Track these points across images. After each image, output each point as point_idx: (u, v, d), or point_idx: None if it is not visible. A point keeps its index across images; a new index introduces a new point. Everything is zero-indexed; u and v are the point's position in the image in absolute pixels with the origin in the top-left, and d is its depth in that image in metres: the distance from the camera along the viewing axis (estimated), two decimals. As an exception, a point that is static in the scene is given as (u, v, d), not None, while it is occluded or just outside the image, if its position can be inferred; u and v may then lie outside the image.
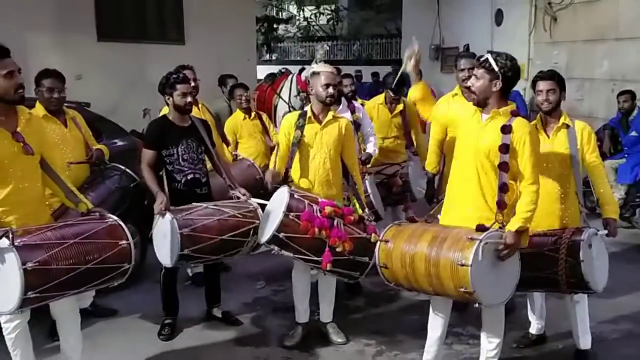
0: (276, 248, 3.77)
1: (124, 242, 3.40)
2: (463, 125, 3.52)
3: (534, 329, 4.23)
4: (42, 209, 3.47)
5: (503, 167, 3.25)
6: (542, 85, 3.78)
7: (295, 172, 4.17)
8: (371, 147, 5.10)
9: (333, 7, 24.56)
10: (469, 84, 3.42)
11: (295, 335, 4.29)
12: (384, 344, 4.26)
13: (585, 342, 3.95)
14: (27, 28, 7.57)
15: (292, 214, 3.73)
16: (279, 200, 3.84)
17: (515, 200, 3.33)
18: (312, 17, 25.05)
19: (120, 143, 5.68)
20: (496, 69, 3.27)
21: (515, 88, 9.10)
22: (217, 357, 4.17)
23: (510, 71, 3.29)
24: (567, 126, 3.79)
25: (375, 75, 15.31)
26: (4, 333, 3.36)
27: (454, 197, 3.51)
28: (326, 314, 4.36)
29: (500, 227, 3.26)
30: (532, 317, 4.23)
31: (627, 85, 8.09)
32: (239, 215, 4.06)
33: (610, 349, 4.19)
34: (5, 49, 3.19)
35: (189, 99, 4.30)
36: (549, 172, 3.78)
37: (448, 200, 3.58)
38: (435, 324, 3.63)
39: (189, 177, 4.30)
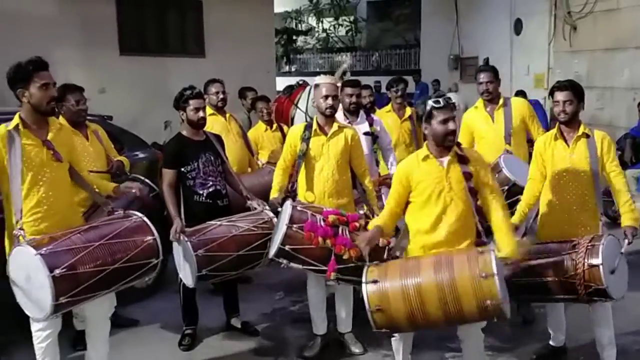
0: (285, 261, 3.78)
1: (150, 237, 3.49)
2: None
3: (554, 341, 4.19)
4: (73, 214, 3.58)
5: (473, 192, 3.40)
6: (560, 96, 3.80)
7: (301, 185, 4.19)
8: (392, 168, 4.97)
9: (352, 18, 24.62)
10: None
11: (314, 346, 4.30)
12: (403, 355, 4.26)
13: (610, 354, 3.86)
14: (53, 44, 7.74)
15: (295, 225, 3.74)
16: (283, 214, 3.88)
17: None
18: (331, 28, 25.13)
19: (141, 155, 5.78)
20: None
21: (535, 97, 9.13)
22: (236, 366, 4.21)
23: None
24: (587, 136, 3.80)
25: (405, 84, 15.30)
26: (35, 342, 3.44)
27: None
28: (344, 323, 4.37)
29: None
30: (551, 329, 4.20)
31: (648, 94, 8.04)
32: (254, 228, 4.09)
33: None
34: (44, 63, 3.36)
35: (202, 114, 4.37)
36: (569, 182, 3.79)
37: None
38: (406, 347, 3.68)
39: (211, 189, 4.36)
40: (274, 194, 4.21)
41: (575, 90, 3.80)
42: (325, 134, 4.16)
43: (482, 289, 3.08)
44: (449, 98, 3.42)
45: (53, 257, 3.12)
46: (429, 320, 3.21)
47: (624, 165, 7.05)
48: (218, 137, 4.65)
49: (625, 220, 3.75)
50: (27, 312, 3.30)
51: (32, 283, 3.14)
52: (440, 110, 3.33)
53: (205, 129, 5.31)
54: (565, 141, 3.84)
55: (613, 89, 9.98)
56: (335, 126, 4.18)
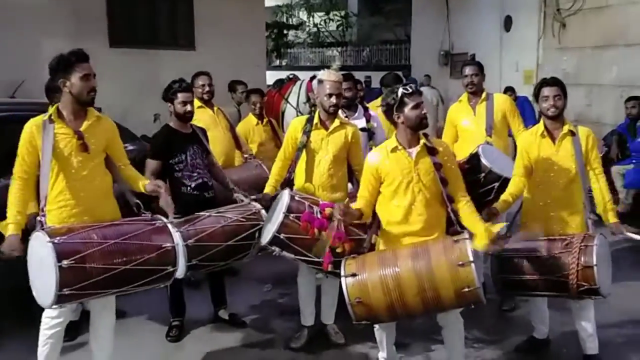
0: (277, 249, 3.81)
1: (169, 244, 3.46)
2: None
3: (537, 334, 4.26)
4: (101, 206, 3.57)
5: (444, 182, 3.46)
6: (548, 91, 3.85)
7: (299, 177, 4.23)
8: None
9: (343, 13, 24.63)
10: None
11: (301, 337, 4.35)
12: (389, 347, 4.31)
13: (592, 347, 3.94)
14: (42, 36, 7.68)
15: (292, 215, 3.77)
16: (280, 202, 3.90)
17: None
18: (322, 23, 25.12)
19: (130, 147, 5.75)
20: None
21: (523, 94, 9.08)
22: (224, 358, 4.24)
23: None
24: (572, 133, 3.85)
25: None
26: (42, 327, 3.47)
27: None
28: (328, 315, 4.42)
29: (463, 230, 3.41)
30: (534, 322, 4.25)
31: (635, 92, 8.09)
32: (243, 219, 4.12)
33: (617, 354, 4.19)
34: (85, 54, 3.45)
35: (189, 107, 4.41)
36: (555, 180, 3.85)
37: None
38: (389, 339, 3.73)
39: (199, 181, 4.41)
40: (268, 189, 4.23)
41: (562, 85, 3.88)
42: (326, 128, 4.19)
43: (460, 277, 3.16)
44: (417, 84, 3.48)
45: (64, 247, 3.14)
46: (408, 310, 3.28)
47: (611, 162, 7.13)
48: (203, 131, 4.69)
49: (612, 218, 3.87)
50: (36, 298, 3.31)
51: (42, 269, 3.17)
52: (410, 96, 3.39)
53: (193, 121, 5.33)
54: (552, 138, 3.88)
55: (601, 86, 10.04)
56: (337, 122, 4.20)
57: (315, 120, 4.19)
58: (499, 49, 12.98)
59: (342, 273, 3.38)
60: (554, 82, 3.89)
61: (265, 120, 6.36)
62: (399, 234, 3.51)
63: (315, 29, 25.45)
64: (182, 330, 4.53)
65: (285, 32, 24.08)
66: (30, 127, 3.39)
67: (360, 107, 5.04)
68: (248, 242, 4.08)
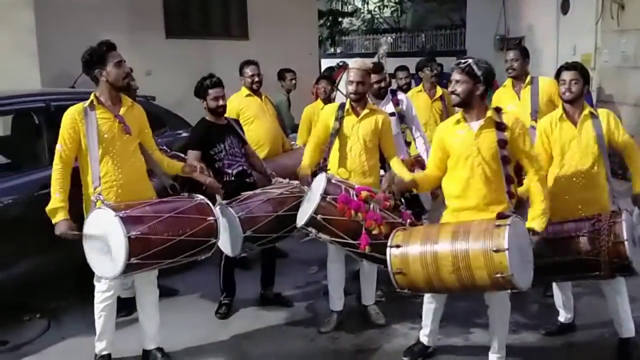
0: (314, 231, 3.91)
1: (211, 218, 3.76)
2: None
3: (562, 317, 4.28)
4: (142, 186, 3.85)
5: (505, 160, 3.47)
6: (566, 75, 3.91)
7: (333, 162, 4.35)
8: (421, 147, 5.03)
9: (397, -1, 24.43)
10: (450, 88, 3.62)
11: (330, 322, 4.46)
12: (428, 328, 4.39)
13: (628, 329, 3.92)
14: (101, 28, 7.98)
15: (329, 196, 3.86)
16: (317, 185, 4.01)
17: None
18: (376, 9, 24.98)
19: (184, 134, 6.03)
20: (479, 74, 3.46)
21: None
22: (269, 335, 4.43)
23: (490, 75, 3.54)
24: (593, 115, 3.86)
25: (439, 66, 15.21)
26: (96, 301, 3.76)
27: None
28: (368, 296, 4.55)
29: (514, 213, 3.45)
30: (560, 307, 4.27)
31: (697, 74, 7.80)
32: (287, 192, 4.32)
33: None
34: (113, 44, 3.71)
35: (221, 102, 4.59)
36: (578, 161, 3.86)
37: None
38: (436, 315, 3.87)
39: (239, 169, 4.63)
40: (303, 169, 4.36)
41: (582, 70, 3.90)
42: (357, 114, 4.29)
43: (494, 262, 3.19)
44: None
45: (130, 220, 3.42)
46: (446, 285, 3.39)
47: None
48: (237, 122, 4.94)
49: (638, 187, 3.84)
50: (96, 272, 3.59)
51: (108, 243, 3.42)
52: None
53: (241, 109, 5.55)
54: (572, 122, 3.89)
55: (663, 69, 9.70)
56: (367, 109, 4.30)
57: (347, 106, 4.30)
58: (556, 33, 12.65)
59: (389, 243, 3.55)
60: (572, 66, 3.95)
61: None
62: (457, 208, 3.61)
63: (369, 16, 25.33)
64: (231, 308, 4.75)
65: (339, 19, 24.05)
66: (73, 114, 3.62)
67: (388, 93, 5.10)
68: (295, 213, 4.17)
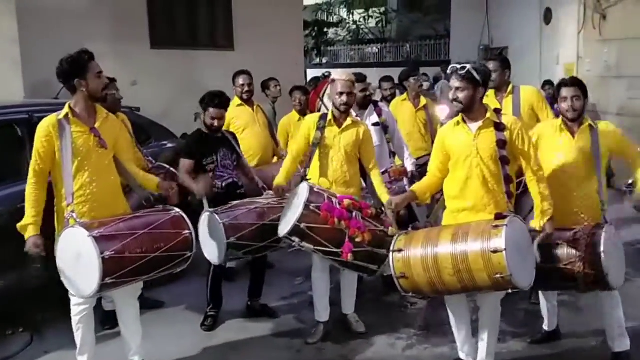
0: (297, 240, 3.89)
1: (187, 232, 3.71)
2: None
3: (546, 326, 4.29)
4: (116, 200, 3.78)
5: (504, 160, 3.50)
6: (566, 92, 3.84)
7: (314, 172, 4.35)
8: (407, 161, 5.06)
9: (382, 9, 24.61)
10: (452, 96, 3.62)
11: (317, 333, 4.44)
12: (415, 338, 4.41)
13: (621, 344, 3.88)
14: (86, 38, 7.91)
15: (312, 204, 3.87)
16: (299, 194, 4.01)
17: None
18: (362, 20, 25.17)
19: (169, 145, 6.01)
20: (478, 78, 3.51)
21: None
22: (254, 346, 4.40)
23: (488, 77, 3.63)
24: (591, 127, 3.85)
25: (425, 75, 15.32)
26: (72, 314, 3.70)
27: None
28: (348, 305, 4.54)
29: (512, 213, 3.47)
30: (545, 314, 4.28)
31: (678, 83, 7.91)
32: (274, 202, 4.31)
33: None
34: (92, 53, 3.62)
35: (217, 123, 4.62)
36: (573, 172, 3.85)
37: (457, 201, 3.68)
38: (460, 325, 3.78)
39: (229, 181, 4.65)
40: (279, 180, 4.34)
41: (581, 86, 3.87)
42: (339, 125, 4.30)
43: (492, 263, 3.20)
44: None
45: (103, 239, 3.35)
46: (448, 287, 3.40)
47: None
48: (233, 134, 4.93)
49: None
50: (70, 290, 3.53)
51: (81, 263, 3.37)
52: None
53: (232, 119, 5.56)
54: (571, 132, 3.89)
55: (644, 78, 9.84)
56: (349, 120, 4.31)
57: (329, 117, 4.31)
58: (539, 42, 12.83)
59: (392, 247, 3.57)
60: (572, 82, 3.90)
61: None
62: (455, 209, 3.62)
63: (354, 27, 25.50)
64: (217, 320, 4.71)
65: (325, 30, 24.22)
66: (47, 127, 3.51)
67: (370, 104, 5.12)
68: None
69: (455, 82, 3.53)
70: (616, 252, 3.67)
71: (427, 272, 3.39)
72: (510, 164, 3.55)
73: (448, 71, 3.66)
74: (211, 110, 4.58)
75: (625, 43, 10.25)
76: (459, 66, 3.55)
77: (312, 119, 4.43)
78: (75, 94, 3.61)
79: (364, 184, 4.46)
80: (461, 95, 3.52)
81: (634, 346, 3.92)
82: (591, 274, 3.52)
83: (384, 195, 4.12)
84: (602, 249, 3.49)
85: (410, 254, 3.46)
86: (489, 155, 3.53)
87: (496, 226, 3.28)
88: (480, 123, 3.56)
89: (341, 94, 4.23)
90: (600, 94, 10.24)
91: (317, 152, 4.30)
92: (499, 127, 3.54)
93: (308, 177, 4.30)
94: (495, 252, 3.19)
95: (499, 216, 3.39)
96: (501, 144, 3.50)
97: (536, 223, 3.60)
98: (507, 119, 3.64)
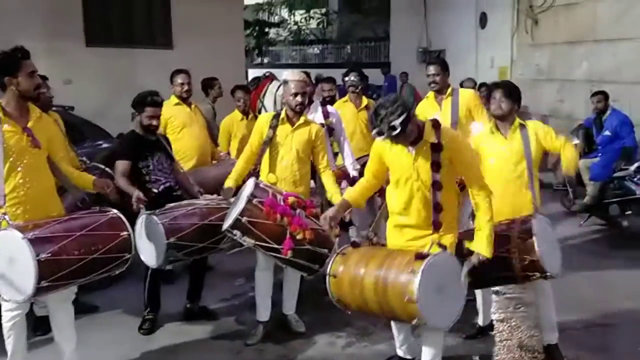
0: (239, 234, 3.85)
1: (125, 233, 3.64)
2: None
3: (482, 320, 4.43)
4: (51, 201, 3.66)
5: (436, 186, 3.35)
6: (496, 93, 4.07)
7: (264, 170, 4.36)
8: (349, 162, 5.00)
9: (323, 10, 24.76)
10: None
11: (256, 333, 4.42)
12: (354, 336, 4.45)
13: (552, 337, 4.06)
14: (17, 34, 7.68)
15: (256, 199, 3.85)
16: (245, 189, 3.99)
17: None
18: (303, 20, 25.23)
19: (104, 145, 5.88)
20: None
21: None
22: (195, 349, 4.34)
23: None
24: (522, 126, 4.02)
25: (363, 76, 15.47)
26: (3, 321, 3.57)
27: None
28: (289, 305, 4.56)
29: (439, 246, 3.34)
30: (480, 309, 4.41)
31: (604, 87, 8.25)
32: (214, 204, 4.29)
33: (577, 340, 4.32)
34: (27, 51, 3.47)
35: (154, 122, 4.52)
36: (507, 170, 4.00)
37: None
38: (400, 327, 3.80)
39: (166, 184, 4.56)
40: (229, 183, 4.34)
41: (507, 88, 4.09)
42: (292, 124, 4.31)
43: (407, 310, 3.18)
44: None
45: (39, 242, 3.25)
46: (372, 311, 3.43)
47: (579, 155, 7.27)
48: (166, 138, 4.86)
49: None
50: (3, 295, 3.40)
51: (15, 266, 3.25)
52: None
53: (169, 118, 5.46)
54: (502, 134, 4.05)
55: (572, 82, 10.25)
56: (302, 119, 4.33)
57: (282, 115, 4.32)
58: (475, 46, 13.19)
59: (328, 271, 3.53)
60: (500, 85, 4.17)
61: (250, 116, 6.41)
62: (400, 224, 3.54)
63: (296, 27, 25.54)
64: (155, 323, 4.62)
65: (266, 30, 24.14)
66: None
67: (318, 104, 5.15)
68: (221, 224, 4.09)
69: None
70: (549, 239, 3.78)
71: (355, 296, 3.41)
72: (442, 190, 3.37)
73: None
74: (148, 109, 4.48)
75: (555, 47, 10.67)
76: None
77: (265, 117, 4.43)
78: (6, 92, 3.49)
79: (313, 183, 4.46)
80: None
81: (563, 339, 4.09)
82: (526, 259, 3.61)
83: (335, 196, 4.13)
84: (534, 232, 3.61)
85: (343, 271, 3.46)
86: (429, 178, 3.38)
87: (413, 271, 3.15)
88: (419, 145, 3.36)
89: (295, 94, 4.24)
90: (532, 96, 10.61)
91: (267, 150, 4.30)
92: (436, 148, 3.34)
93: (259, 175, 4.31)
94: (409, 301, 3.11)
95: (419, 256, 3.21)
96: (435, 167, 3.33)
97: (484, 250, 3.39)
98: (446, 133, 3.43)
